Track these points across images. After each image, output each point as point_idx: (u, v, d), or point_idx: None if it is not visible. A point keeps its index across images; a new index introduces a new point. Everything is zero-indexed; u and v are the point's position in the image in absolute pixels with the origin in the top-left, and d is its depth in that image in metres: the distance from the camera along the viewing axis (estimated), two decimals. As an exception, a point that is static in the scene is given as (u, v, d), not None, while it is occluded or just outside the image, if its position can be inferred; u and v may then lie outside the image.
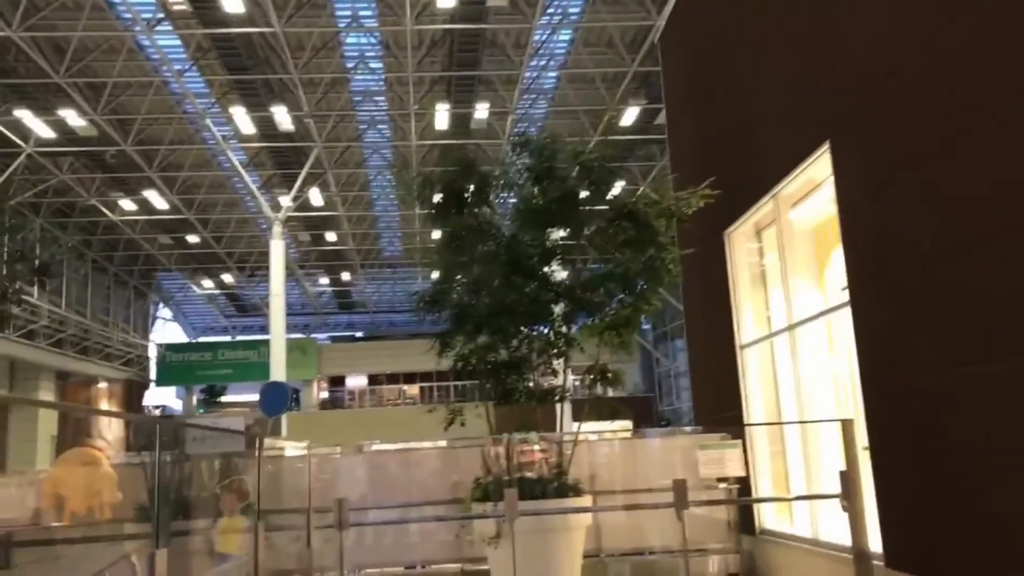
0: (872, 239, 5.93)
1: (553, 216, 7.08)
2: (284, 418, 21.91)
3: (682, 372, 37.84)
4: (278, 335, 24.02)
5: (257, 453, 5.93)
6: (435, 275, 7.95)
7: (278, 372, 22.79)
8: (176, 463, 7.71)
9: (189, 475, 7.86)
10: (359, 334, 52.29)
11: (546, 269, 7.47)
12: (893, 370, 5.76)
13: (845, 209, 6.21)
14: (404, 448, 9.08)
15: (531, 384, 7.26)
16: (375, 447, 9.52)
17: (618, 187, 7.82)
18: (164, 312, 47.56)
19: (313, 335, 48.59)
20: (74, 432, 24.48)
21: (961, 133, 4.83)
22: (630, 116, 24.16)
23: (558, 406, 7.45)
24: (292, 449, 9.22)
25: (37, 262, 27.44)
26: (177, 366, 40.02)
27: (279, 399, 12.69)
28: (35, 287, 29.17)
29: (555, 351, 7.22)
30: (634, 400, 33.99)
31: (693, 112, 10.18)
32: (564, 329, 7.42)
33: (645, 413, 35.74)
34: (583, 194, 7.35)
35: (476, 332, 7.15)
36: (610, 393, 7.71)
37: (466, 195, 7.28)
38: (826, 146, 6.37)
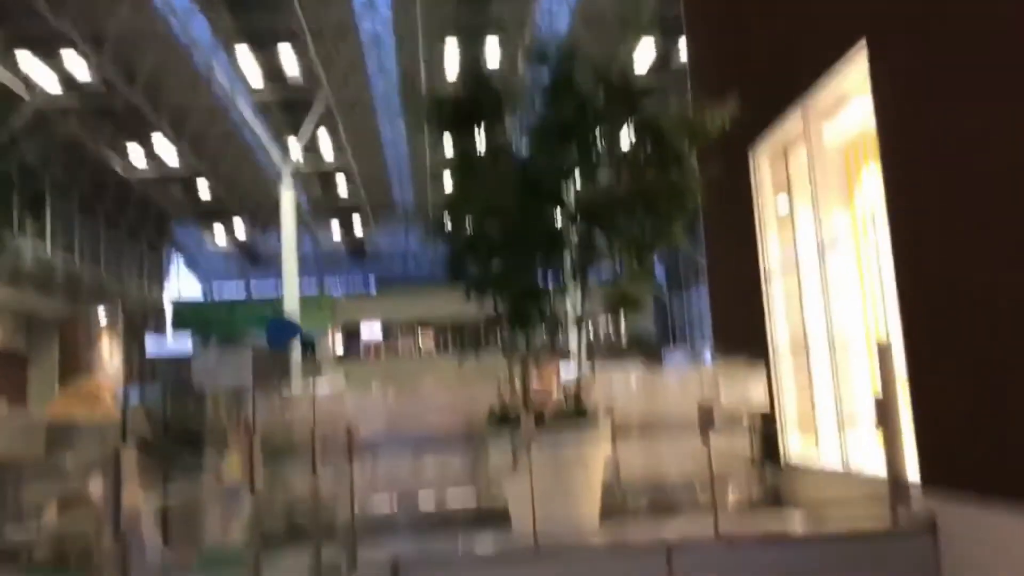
0: (913, 146, 5.55)
1: (570, 131, 6.70)
2: (298, 368, 21.82)
3: (695, 320, 37.63)
4: (291, 284, 23.88)
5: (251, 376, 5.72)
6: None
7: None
8: (182, 398, 7.59)
9: (197, 409, 7.73)
10: (373, 288, 52.27)
11: (564, 195, 7.12)
12: (933, 286, 5.43)
13: (883, 113, 5.81)
14: (418, 382, 8.87)
15: (548, 311, 6.95)
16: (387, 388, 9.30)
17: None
18: (179, 266, 47.63)
19: (328, 290, 48.58)
20: (76, 368, 24.45)
21: (1013, 33, 4.43)
22: (645, 63, 23.47)
23: (573, 335, 7.17)
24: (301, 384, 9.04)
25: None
26: (192, 323, 40.11)
27: (285, 332, 12.47)
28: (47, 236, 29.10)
29: (573, 275, 6.89)
30: (648, 347, 33.96)
31: (714, 25, 9.65)
32: (578, 259, 7.08)
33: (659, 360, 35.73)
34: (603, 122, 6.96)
35: (489, 257, 6.84)
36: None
37: (479, 111, 6.89)
38: (862, 43, 5.93)
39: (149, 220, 39.50)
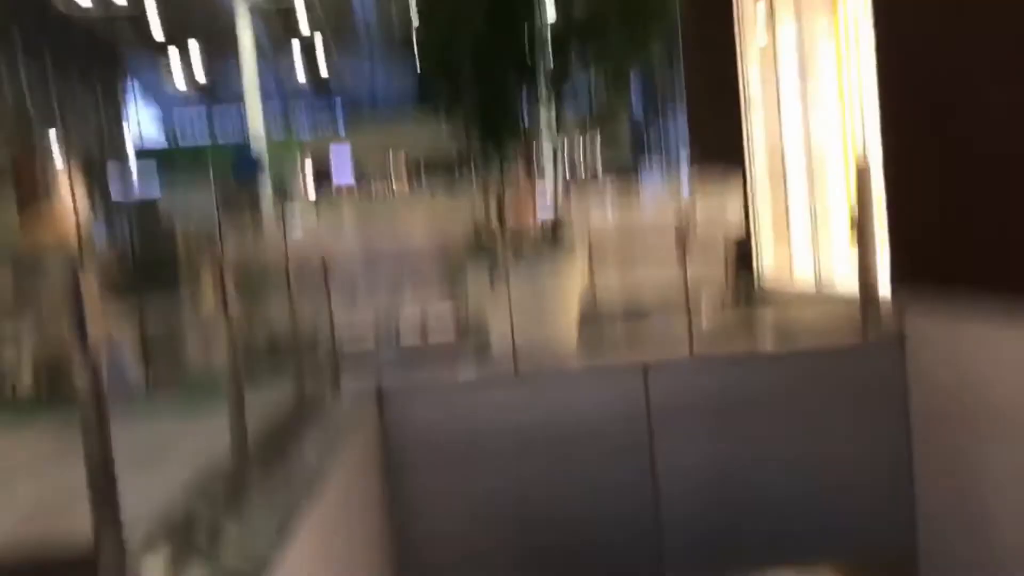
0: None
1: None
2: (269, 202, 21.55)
3: (671, 146, 37.29)
4: (256, 122, 23.14)
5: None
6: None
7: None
8: (151, 236, 7.46)
9: (167, 246, 7.62)
10: (342, 127, 50.96)
11: (536, 10, 6.73)
12: (916, 99, 5.30)
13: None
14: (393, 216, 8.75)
15: (521, 133, 6.75)
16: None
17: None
18: (137, 101, 45.86)
19: (296, 133, 47.31)
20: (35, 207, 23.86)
21: None
22: None
23: (549, 163, 7.02)
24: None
25: None
26: (158, 166, 39.15)
27: (252, 165, 12.15)
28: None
29: (547, 93, 6.63)
30: (623, 171, 33.94)
31: None
32: (552, 78, 6.79)
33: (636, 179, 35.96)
34: None
35: (459, 79, 6.53)
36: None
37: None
38: None
39: (101, 58, 37.59)
